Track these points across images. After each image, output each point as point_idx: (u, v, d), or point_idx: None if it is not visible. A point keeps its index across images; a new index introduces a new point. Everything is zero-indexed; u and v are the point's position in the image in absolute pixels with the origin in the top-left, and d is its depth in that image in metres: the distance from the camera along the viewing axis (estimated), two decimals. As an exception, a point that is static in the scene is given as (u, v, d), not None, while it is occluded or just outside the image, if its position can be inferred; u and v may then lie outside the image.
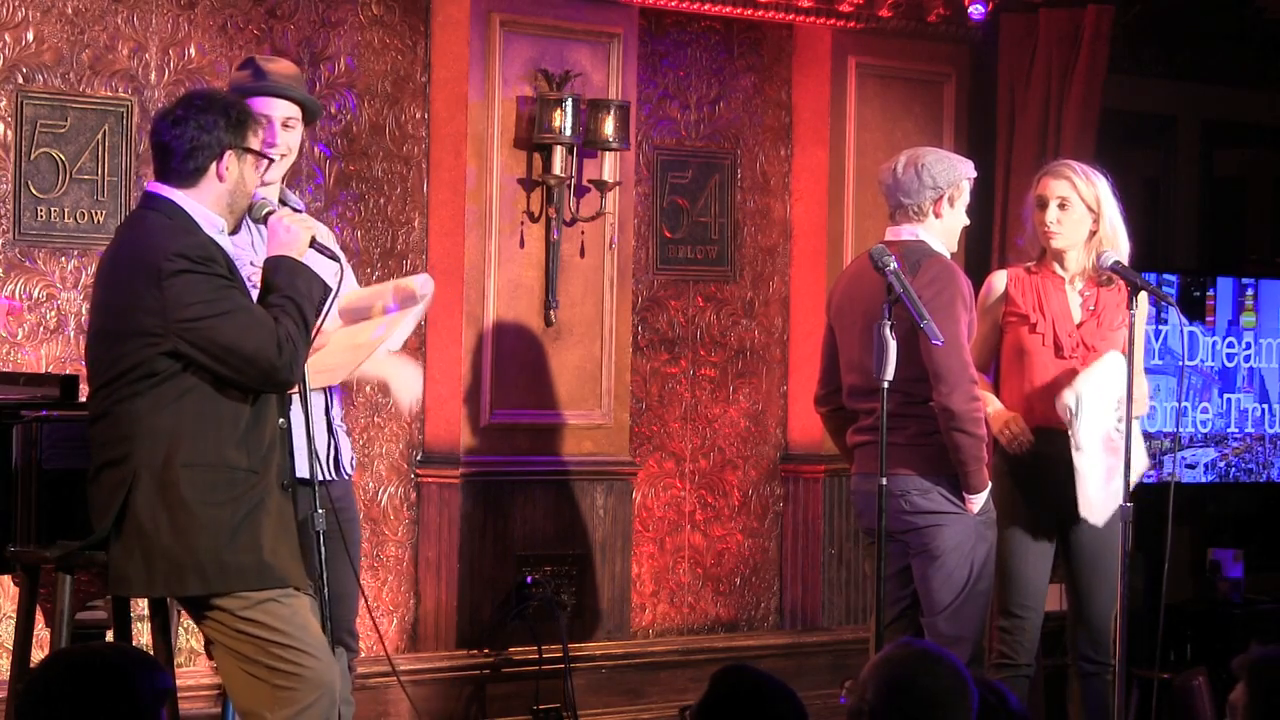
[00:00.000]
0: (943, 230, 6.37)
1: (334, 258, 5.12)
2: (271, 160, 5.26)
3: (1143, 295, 6.40)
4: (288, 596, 4.97)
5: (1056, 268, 6.53)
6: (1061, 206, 6.47)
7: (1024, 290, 6.52)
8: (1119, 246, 6.47)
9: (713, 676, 3.80)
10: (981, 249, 8.56)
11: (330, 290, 5.06)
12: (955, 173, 6.37)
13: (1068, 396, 6.34)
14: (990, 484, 6.24)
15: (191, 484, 4.88)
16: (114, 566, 4.94)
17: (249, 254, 5.38)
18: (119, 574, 4.94)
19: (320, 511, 5.09)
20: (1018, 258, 6.71)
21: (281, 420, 5.04)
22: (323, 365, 5.40)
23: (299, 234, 5.04)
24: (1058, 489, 6.41)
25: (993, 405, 6.47)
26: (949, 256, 6.36)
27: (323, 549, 5.10)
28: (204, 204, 5.00)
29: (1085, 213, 6.47)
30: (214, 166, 4.99)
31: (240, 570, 4.91)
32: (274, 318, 4.90)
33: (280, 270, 5.01)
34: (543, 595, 7.62)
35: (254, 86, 5.53)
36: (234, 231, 5.13)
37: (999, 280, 6.62)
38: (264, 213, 5.11)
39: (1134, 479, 6.27)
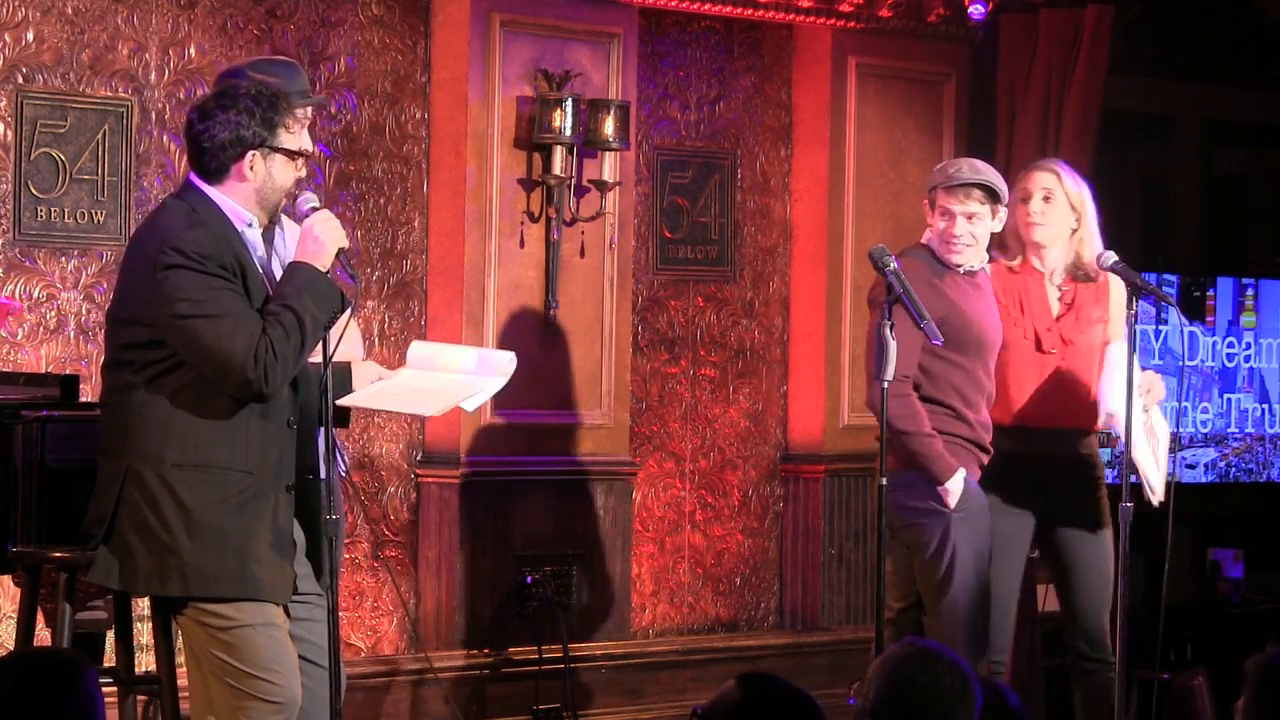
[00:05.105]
0: (935, 235, 6.37)
1: (352, 276, 5.01)
2: (308, 155, 5.10)
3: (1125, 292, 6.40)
4: (268, 627, 4.90)
5: (1036, 263, 6.52)
6: (1046, 199, 6.48)
7: (1006, 286, 6.53)
8: (1095, 249, 6.47)
9: (737, 680, 3.75)
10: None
11: (348, 305, 4.95)
12: (929, 179, 6.40)
13: (1110, 403, 6.36)
14: (963, 471, 6.22)
15: (181, 483, 4.84)
16: (99, 556, 4.90)
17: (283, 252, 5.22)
18: (103, 564, 4.91)
19: (335, 516, 4.94)
20: (1000, 254, 6.69)
21: (290, 418, 4.97)
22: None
23: (327, 245, 4.93)
24: (1034, 488, 6.43)
25: None
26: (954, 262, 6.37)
27: (334, 553, 4.97)
28: (233, 198, 4.92)
29: (1068, 209, 6.47)
30: (236, 166, 4.91)
31: (220, 576, 4.86)
32: (263, 327, 4.81)
33: (294, 278, 4.90)
34: (543, 595, 7.62)
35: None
36: (271, 224, 5.04)
37: None
38: (308, 206, 5.01)
39: (1160, 463, 6.39)
